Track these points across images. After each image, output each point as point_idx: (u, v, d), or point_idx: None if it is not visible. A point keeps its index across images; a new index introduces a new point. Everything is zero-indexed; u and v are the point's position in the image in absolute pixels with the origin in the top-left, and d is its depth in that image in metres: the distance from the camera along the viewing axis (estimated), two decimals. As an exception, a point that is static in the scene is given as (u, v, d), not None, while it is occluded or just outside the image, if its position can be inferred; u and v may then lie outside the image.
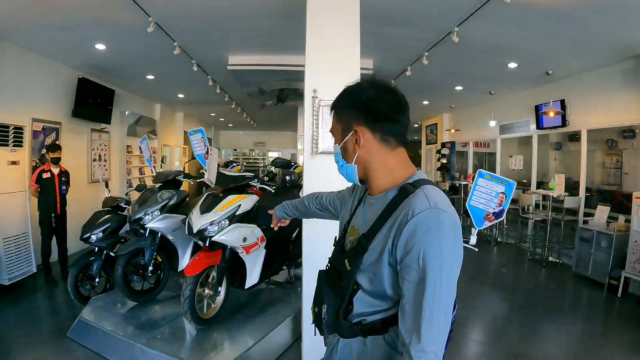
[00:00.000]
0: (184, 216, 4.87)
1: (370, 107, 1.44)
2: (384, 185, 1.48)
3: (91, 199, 8.70)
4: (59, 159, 6.47)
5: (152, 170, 6.59)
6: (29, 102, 7.02)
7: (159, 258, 5.13)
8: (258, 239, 4.58)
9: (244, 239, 4.40)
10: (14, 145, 6.13)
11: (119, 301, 5.10)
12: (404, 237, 1.28)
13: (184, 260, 5.13)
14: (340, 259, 1.53)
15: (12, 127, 6.08)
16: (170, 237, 5.01)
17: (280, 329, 4.46)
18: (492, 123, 11.29)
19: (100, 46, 6.86)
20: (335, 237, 1.74)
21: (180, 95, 11.79)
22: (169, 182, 5.44)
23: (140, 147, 5.72)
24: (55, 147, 6.48)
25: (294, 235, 5.42)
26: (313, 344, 3.79)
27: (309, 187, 3.94)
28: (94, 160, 9.22)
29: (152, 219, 4.86)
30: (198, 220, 4.22)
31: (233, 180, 4.88)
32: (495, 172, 10.78)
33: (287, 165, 6.47)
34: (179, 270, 5.12)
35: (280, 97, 9.69)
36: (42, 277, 6.54)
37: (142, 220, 4.82)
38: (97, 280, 5.30)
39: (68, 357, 4.30)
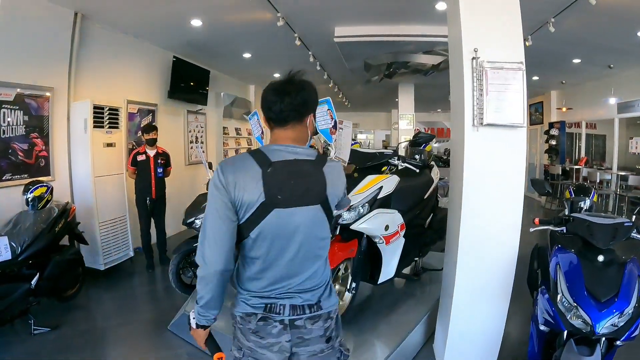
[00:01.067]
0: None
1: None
2: None
3: (189, 182, 8.66)
4: (154, 140, 6.19)
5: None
6: (123, 83, 6.89)
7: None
8: (398, 227, 3.88)
9: (386, 227, 3.71)
10: (109, 127, 5.89)
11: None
12: None
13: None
14: None
15: (107, 109, 5.84)
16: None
17: (415, 331, 3.88)
18: (612, 100, 9.88)
19: (196, 22, 6.50)
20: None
21: (276, 75, 11.26)
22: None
23: (250, 124, 5.21)
24: (150, 128, 6.22)
25: (427, 222, 4.69)
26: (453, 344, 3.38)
27: (470, 170, 3.19)
28: (191, 142, 9.03)
29: None
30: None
31: (369, 158, 4.18)
32: (612, 156, 10.36)
33: (429, 139, 5.74)
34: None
35: (388, 72, 8.94)
36: (140, 262, 6.37)
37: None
38: None
39: (169, 354, 3.96)
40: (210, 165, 6.06)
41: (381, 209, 3.76)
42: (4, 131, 4.88)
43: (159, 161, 6.24)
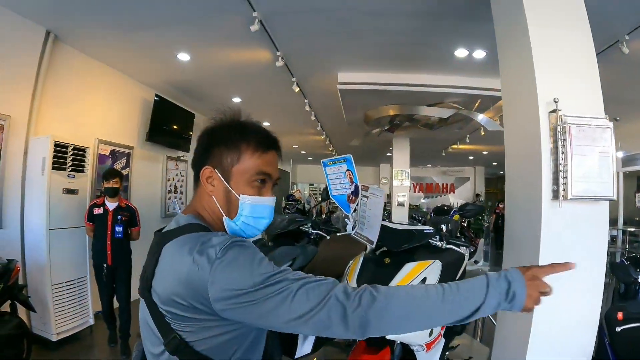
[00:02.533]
0: None
1: None
2: None
3: None
4: (116, 190, 4.80)
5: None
6: (95, 119, 5.94)
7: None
8: (440, 328, 2.84)
9: (430, 332, 2.68)
10: (72, 170, 4.87)
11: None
12: None
13: (305, 347, 3.63)
14: None
15: (71, 148, 4.83)
16: None
17: None
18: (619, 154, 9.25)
19: (183, 56, 5.73)
20: None
21: (266, 124, 10.54)
22: (287, 234, 4.00)
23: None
24: (111, 174, 4.86)
25: None
26: None
27: (549, 256, 2.42)
28: (169, 192, 7.98)
29: None
30: None
31: (405, 239, 2.93)
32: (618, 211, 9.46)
33: (478, 211, 4.75)
34: (295, 358, 3.64)
35: (390, 125, 8.22)
36: (101, 331, 5.18)
37: None
38: None
39: None
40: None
41: None
42: None
43: (119, 217, 4.84)
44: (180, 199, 8.31)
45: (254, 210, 1.25)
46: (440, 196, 19.59)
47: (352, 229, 3.10)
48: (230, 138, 1.25)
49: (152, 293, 1.14)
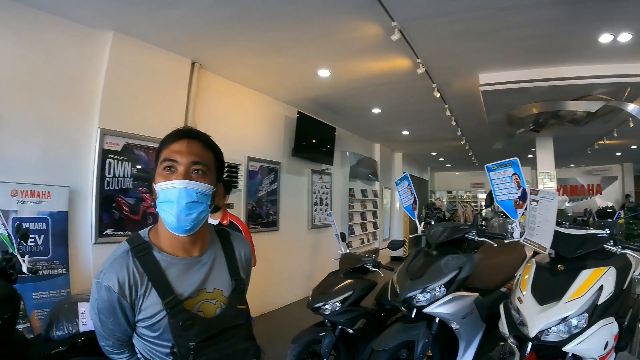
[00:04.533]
0: (475, 294, 3.56)
1: None
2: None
3: (311, 247, 7.94)
4: (218, 207, 4.03)
5: (417, 223, 4.49)
6: (243, 139, 6.28)
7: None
8: (613, 340, 2.60)
9: (606, 344, 2.46)
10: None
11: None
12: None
13: (466, 358, 3.55)
14: (234, 311, 1.44)
15: (225, 166, 5.09)
16: (455, 326, 3.45)
17: None
18: None
19: (323, 72, 5.77)
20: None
21: (405, 132, 10.41)
22: (450, 242, 3.81)
23: (398, 190, 4.29)
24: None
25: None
26: None
27: None
28: (315, 204, 8.16)
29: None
30: (538, 320, 2.48)
31: (579, 244, 2.69)
32: None
33: None
34: None
35: (536, 124, 7.59)
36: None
37: (413, 301, 3.42)
38: None
39: None
40: (343, 237, 5.04)
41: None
42: (108, 183, 4.39)
43: None
44: (326, 210, 8.46)
45: (164, 195, 1.33)
46: (586, 199, 16.99)
47: (521, 236, 2.96)
48: (157, 151, 1.43)
49: None
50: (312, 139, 7.71)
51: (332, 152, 8.45)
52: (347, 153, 9.44)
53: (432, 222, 4.58)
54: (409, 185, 4.14)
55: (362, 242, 10.20)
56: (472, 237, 3.68)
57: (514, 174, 3.04)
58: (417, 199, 4.24)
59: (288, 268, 7.16)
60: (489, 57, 5.28)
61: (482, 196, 22.24)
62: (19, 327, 3.22)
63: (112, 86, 4.41)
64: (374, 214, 11.10)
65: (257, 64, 5.51)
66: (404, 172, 13.55)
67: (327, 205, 8.56)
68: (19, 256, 3.03)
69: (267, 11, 4.08)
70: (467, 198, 22.39)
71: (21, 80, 3.89)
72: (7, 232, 3.12)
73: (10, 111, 3.82)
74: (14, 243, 3.09)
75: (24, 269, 3.05)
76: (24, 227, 3.17)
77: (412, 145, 12.85)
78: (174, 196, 1.32)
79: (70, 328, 3.23)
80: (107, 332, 1.36)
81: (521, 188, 3.00)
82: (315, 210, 8.14)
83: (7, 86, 3.80)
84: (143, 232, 1.44)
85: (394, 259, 11.34)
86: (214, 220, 3.99)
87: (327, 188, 8.56)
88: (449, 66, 5.54)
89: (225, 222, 4.05)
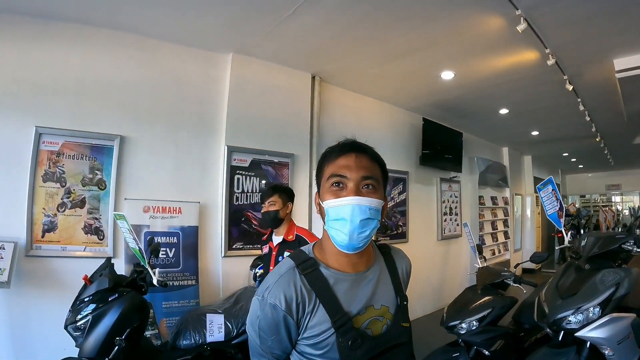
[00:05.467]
0: (633, 315, 3.07)
1: None
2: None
3: (441, 259, 7.66)
4: (274, 215, 3.28)
5: (563, 233, 4.08)
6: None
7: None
8: None
9: None
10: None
11: None
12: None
13: None
14: (399, 329, 1.37)
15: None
16: (608, 353, 2.95)
17: None
18: None
19: (447, 74, 5.49)
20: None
21: (534, 133, 9.61)
22: (604, 254, 3.46)
23: (541, 196, 4.02)
24: (265, 192, 3.45)
25: None
26: None
27: None
28: (444, 214, 7.77)
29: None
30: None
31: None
32: None
33: None
34: None
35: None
36: None
37: (563, 323, 3.06)
38: None
39: None
40: (479, 249, 4.69)
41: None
42: (237, 198, 4.61)
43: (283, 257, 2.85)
44: (455, 220, 8.05)
45: (335, 213, 1.27)
46: None
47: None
48: (320, 162, 1.39)
49: None
50: (438, 145, 7.40)
51: (460, 159, 8.07)
52: (476, 159, 8.93)
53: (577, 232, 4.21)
54: (553, 190, 3.94)
55: (493, 254, 9.52)
56: (630, 247, 3.29)
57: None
58: (563, 205, 3.98)
59: (417, 281, 6.75)
60: (625, 38, 4.63)
61: (618, 199, 19.99)
62: (147, 333, 3.50)
63: (235, 105, 4.66)
64: (505, 223, 10.37)
65: (378, 72, 5.41)
66: (536, 177, 12.69)
67: (456, 214, 8.14)
68: (149, 269, 3.21)
69: (386, 17, 3.97)
70: (602, 202, 20.22)
71: (150, 105, 4.29)
72: (139, 247, 3.31)
73: (142, 133, 4.21)
74: (145, 257, 3.26)
75: (155, 282, 3.22)
76: (155, 241, 3.37)
77: (541, 147, 11.82)
78: (347, 214, 1.25)
79: (197, 338, 3.37)
80: (265, 349, 1.32)
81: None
82: (445, 221, 7.75)
83: (137, 112, 4.21)
84: (307, 248, 1.40)
85: (525, 271, 10.51)
86: (277, 237, 3.30)
87: (456, 197, 8.14)
88: (581, 54, 4.95)
89: (290, 237, 3.24)
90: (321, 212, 1.33)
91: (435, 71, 5.42)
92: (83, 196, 3.95)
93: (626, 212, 18.95)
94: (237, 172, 4.61)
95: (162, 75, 4.36)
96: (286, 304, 1.24)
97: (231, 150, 4.56)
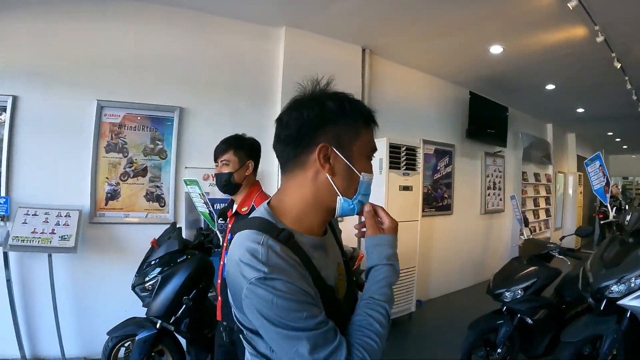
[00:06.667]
0: None
1: None
2: None
3: (483, 233, 7.71)
4: (227, 178, 2.56)
5: (608, 208, 4.32)
6: (417, 122, 6.34)
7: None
8: None
9: None
10: (406, 169, 5.13)
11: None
12: None
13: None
14: (352, 286, 1.26)
15: (404, 148, 5.11)
16: None
17: None
18: None
19: (495, 48, 5.50)
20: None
21: (580, 110, 9.46)
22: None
23: (588, 171, 4.10)
24: (218, 147, 2.67)
25: None
26: None
27: None
28: (488, 188, 7.80)
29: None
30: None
31: None
32: None
33: None
34: None
35: None
36: (420, 320, 5.43)
37: (606, 292, 3.18)
38: (498, 350, 3.69)
39: None
40: (526, 221, 4.77)
41: None
42: None
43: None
44: (498, 195, 8.07)
45: (369, 188, 1.15)
46: None
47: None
48: (346, 112, 1.13)
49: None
50: (484, 120, 7.37)
51: (505, 134, 8.02)
52: (520, 134, 8.82)
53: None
54: (601, 165, 4.02)
55: (534, 230, 9.45)
56: None
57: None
58: (609, 181, 4.07)
59: (459, 254, 6.99)
60: None
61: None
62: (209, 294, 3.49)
63: (289, 77, 4.75)
64: (547, 200, 10.26)
65: (428, 46, 5.49)
66: (579, 155, 12.44)
67: (499, 189, 8.13)
68: (218, 232, 3.26)
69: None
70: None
71: (207, 78, 4.47)
72: (209, 210, 3.43)
73: (200, 105, 4.42)
74: (215, 220, 3.35)
75: (222, 243, 3.18)
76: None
77: (586, 125, 11.61)
78: (370, 189, 1.18)
79: None
80: (309, 297, 1.04)
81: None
82: (489, 195, 7.78)
83: (195, 84, 4.40)
84: (269, 216, 1.11)
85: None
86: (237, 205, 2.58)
87: (500, 172, 8.11)
88: (630, 32, 4.91)
89: (245, 208, 2.49)
90: (346, 177, 1.12)
91: (485, 45, 5.45)
92: (145, 165, 4.18)
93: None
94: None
95: (218, 49, 4.54)
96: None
97: (286, 120, 4.69)
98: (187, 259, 3.21)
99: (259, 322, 0.99)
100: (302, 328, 0.97)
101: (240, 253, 1.00)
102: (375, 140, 1.20)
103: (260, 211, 1.13)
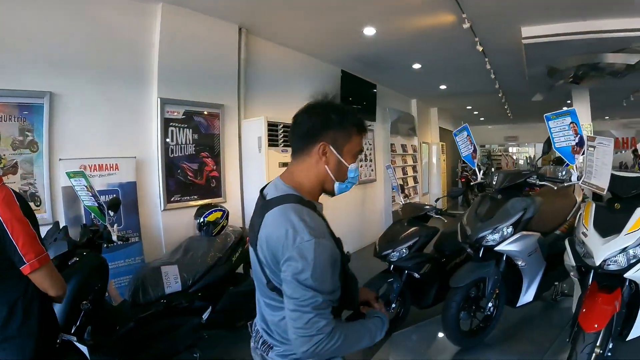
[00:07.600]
0: (538, 234, 3.79)
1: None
2: None
3: (358, 205, 8.17)
4: None
5: (476, 171, 4.58)
6: (293, 100, 6.27)
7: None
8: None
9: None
10: (284, 146, 5.28)
11: (425, 338, 4.21)
12: None
13: (528, 295, 3.91)
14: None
15: (281, 126, 5.25)
16: (521, 264, 3.72)
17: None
18: None
19: (369, 30, 5.76)
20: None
21: (442, 87, 10.33)
22: (512, 186, 4.00)
23: (457, 140, 4.46)
24: None
25: None
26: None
27: None
28: (361, 159, 8.19)
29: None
30: (602, 250, 2.78)
31: (635, 185, 3.01)
32: None
33: None
34: (517, 306, 3.95)
35: (575, 76, 7.44)
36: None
37: (483, 241, 3.66)
38: (392, 306, 4.06)
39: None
40: (402, 188, 5.18)
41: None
42: (172, 150, 4.58)
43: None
44: (370, 166, 8.54)
45: (355, 174, 1.55)
46: (621, 152, 16.10)
47: (578, 179, 3.19)
48: (343, 123, 1.48)
49: (257, 247, 1.43)
50: (355, 96, 7.70)
51: (374, 109, 8.49)
52: (387, 109, 9.41)
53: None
54: (468, 135, 4.34)
55: (405, 196, 10.22)
56: (534, 181, 3.85)
57: (572, 123, 3.20)
58: (477, 148, 4.42)
59: (339, 226, 7.20)
60: (532, 10, 5.21)
61: (514, 150, 22.13)
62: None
63: (166, 56, 4.52)
64: (414, 169, 11.12)
65: (304, 26, 5.57)
66: (441, 127, 13.64)
67: (371, 160, 8.63)
68: (108, 226, 3.10)
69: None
70: (499, 152, 22.40)
71: (80, 58, 3.96)
72: (98, 203, 3.17)
73: (73, 89, 3.91)
74: (105, 214, 3.14)
75: (114, 238, 3.12)
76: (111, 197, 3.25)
77: (447, 100, 12.76)
78: (357, 174, 1.59)
79: (157, 291, 3.28)
80: (335, 283, 1.39)
81: (578, 135, 3.17)
82: (361, 166, 8.19)
83: (66, 66, 3.86)
84: (291, 191, 1.48)
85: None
86: None
87: (370, 144, 8.58)
88: (493, 21, 5.50)
89: None
90: (338, 167, 1.50)
91: (359, 27, 5.66)
92: (15, 161, 3.57)
93: (521, 162, 21.32)
94: (171, 124, 4.55)
95: (91, 26, 4.02)
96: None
97: (164, 102, 4.46)
98: (79, 260, 2.84)
99: (301, 271, 1.29)
100: (324, 291, 1.31)
101: (289, 221, 1.32)
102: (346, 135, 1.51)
103: (284, 189, 1.47)
